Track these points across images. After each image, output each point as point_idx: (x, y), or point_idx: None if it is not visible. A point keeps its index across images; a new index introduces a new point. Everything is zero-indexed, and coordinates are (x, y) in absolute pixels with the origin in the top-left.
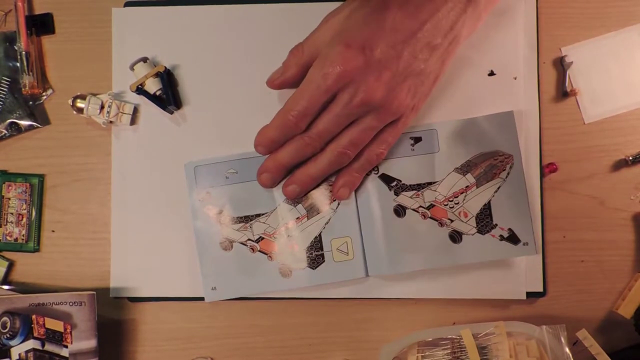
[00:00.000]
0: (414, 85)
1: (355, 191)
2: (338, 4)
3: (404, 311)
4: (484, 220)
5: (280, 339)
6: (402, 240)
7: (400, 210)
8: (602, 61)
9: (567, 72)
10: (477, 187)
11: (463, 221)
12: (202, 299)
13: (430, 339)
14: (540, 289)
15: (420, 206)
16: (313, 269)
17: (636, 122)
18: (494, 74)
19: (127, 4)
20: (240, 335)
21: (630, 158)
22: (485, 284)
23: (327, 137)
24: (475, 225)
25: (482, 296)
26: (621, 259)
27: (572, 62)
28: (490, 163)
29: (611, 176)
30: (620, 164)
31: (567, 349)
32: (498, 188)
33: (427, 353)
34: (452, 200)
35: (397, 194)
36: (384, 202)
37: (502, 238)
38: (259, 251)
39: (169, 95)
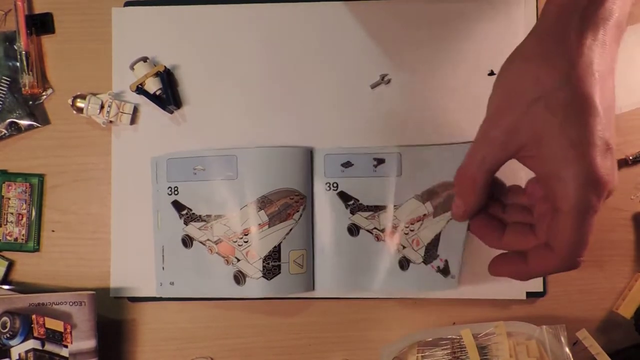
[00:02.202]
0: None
1: (313, 205)
2: (335, 3)
3: (404, 311)
4: (431, 250)
5: (280, 339)
6: (351, 259)
7: (354, 229)
8: None
9: None
10: (434, 217)
11: (414, 249)
12: (202, 299)
13: (430, 339)
14: (540, 289)
15: (375, 228)
16: (268, 279)
17: (636, 122)
18: (494, 74)
19: (127, 4)
20: (240, 335)
21: (631, 158)
22: (486, 284)
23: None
24: (423, 255)
25: (482, 296)
26: (621, 259)
27: None
28: (449, 193)
29: None
30: (620, 164)
31: (567, 349)
32: (450, 219)
33: (427, 353)
34: (407, 227)
35: (353, 212)
36: (339, 219)
37: (438, 269)
38: (217, 253)
39: (168, 95)
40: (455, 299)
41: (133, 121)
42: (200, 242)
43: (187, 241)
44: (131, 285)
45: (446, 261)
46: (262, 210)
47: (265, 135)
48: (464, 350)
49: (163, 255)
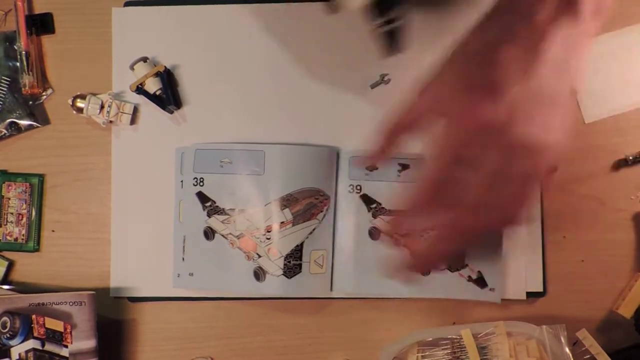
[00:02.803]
0: (554, 111)
1: (336, 206)
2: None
3: (404, 311)
4: (457, 258)
5: (280, 339)
6: (371, 262)
7: (375, 233)
8: (602, 61)
9: None
10: None
11: None
12: (202, 299)
13: (430, 339)
14: (540, 289)
15: (397, 232)
16: (288, 277)
17: (636, 122)
18: None
19: (127, 4)
20: (240, 335)
21: (631, 158)
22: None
23: (487, 200)
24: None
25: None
26: (621, 259)
27: None
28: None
29: (611, 176)
30: (621, 164)
31: (567, 349)
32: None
33: (427, 353)
34: (429, 232)
35: (374, 216)
36: (360, 222)
37: (469, 279)
38: (238, 247)
39: (168, 95)
40: (456, 299)
41: (133, 121)
42: (222, 236)
43: (209, 233)
44: (131, 285)
45: (479, 272)
46: (287, 209)
47: (265, 135)
48: (464, 350)
49: (184, 246)
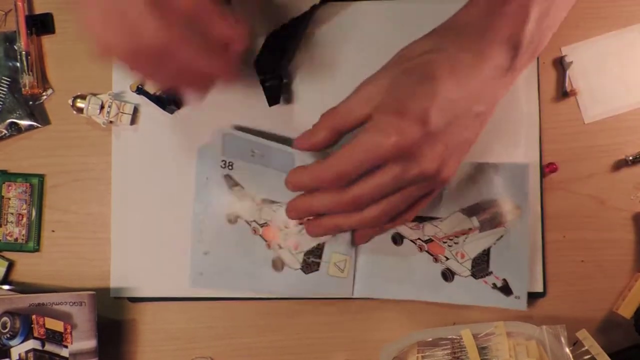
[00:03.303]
0: (459, 154)
1: None
2: (336, 4)
3: (404, 311)
4: (480, 265)
5: (280, 339)
6: (394, 268)
7: (398, 239)
8: (602, 61)
9: (567, 72)
10: (480, 232)
11: (459, 261)
12: (202, 299)
13: (430, 339)
14: (540, 289)
15: (419, 238)
16: (305, 273)
17: (636, 122)
18: None
19: None
20: (240, 335)
21: (630, 158)
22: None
23: (367, 202)
24: (470, 268)
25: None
26: (621, 259)
27: (572, 62)
28: (497, 210)
29: (611, 176)
30: (620, 164)
31: (567, 349)
32: (500, 237)
33: (427, 353)
34: (451, 239)
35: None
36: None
37: (494, 286)
38: (260, 235)
39: (169, 95)
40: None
41: (133, 121)
42: (246, 221)
43: (232, 218)
44: (131, 285)
45: (504, 280)
46: None
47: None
48: (464, 350)
49: (205, 229)
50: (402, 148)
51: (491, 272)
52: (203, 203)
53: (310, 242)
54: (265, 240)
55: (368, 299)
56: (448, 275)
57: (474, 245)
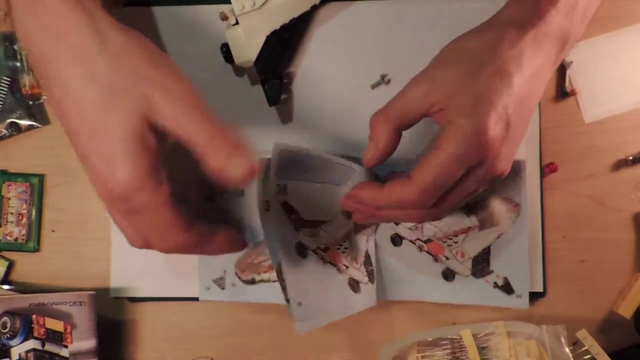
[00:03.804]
0: (517, 149)
1: None
2: (336, 4)
3: (404, 311)
4: (481, 264)
5: (280, 339)
6: (393, 269)
7: (397, 240)
8: (602, 61)
9: (567, 72)
10: (480, 230)
11: (459, 261)
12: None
13: (430, 339)
14: (540, 289)
15: (418, 238)
16: (372, 283)
17: (636, 122)
18: None
19: (126, 4)
20: (240, 335)
21: (631, 158)
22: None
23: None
24: (471, 267)
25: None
26: (621, 259)
27: (572, 62)
28: (496, 208)
29: (611, 176)
30: (621, 164)
31: (567, 349)
32: (500, 235)
33: (427, 353)
34: (451, 239)
35: (397, 223)
36: (383, 229)
37: (495, 285)
38: (329, 262)
39: None
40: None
41: None
42: (313, 251)
43: (302, 250)
44: (131, 285)
45: (505, 279)
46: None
47: (258, 138)
48: (464, 350)
49: (288, 269)
50: (490, 149)
51: (492, 271)
52: (272, 241)
53: (360, 252)
54: (334, 265)
55: None
56: (449, 275)
57: (473, 244)
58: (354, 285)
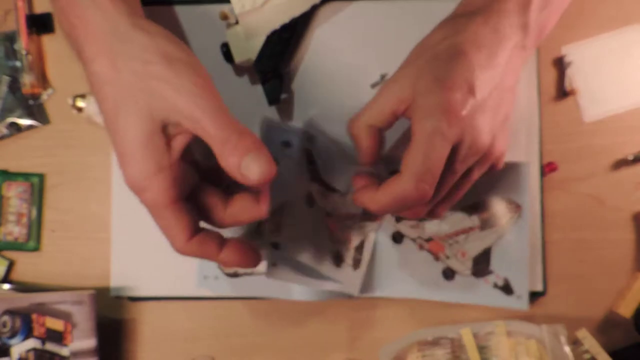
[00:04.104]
0: (504, 129)
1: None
2: (336, 3)
3: (404, 311)
4: (481, 264)
5: (280, 338)
6: (394, 266)
7: (398, 237)
8: (602, 61)
9: (567, 72)
10: (481, 230)
11: (459, 260)
12: (202, 298)
13: (430, 339)
14: (540, 289)
15: (419, 237)
16: (355, 270)
17: (636, 122)
18: None
19: None
20: (240, 335)
21: (631, 157)
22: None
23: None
24: (471, 267)
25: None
26: (621, 259)
27: (571, 62)
28: (497, 209)
29: (611, 176)
30: (621, 164)
31: (567, 349)
32: (501, 235)
33: (427, 353)
34: (452, 238)
35: (398, 220)
36: (384, 226)
37: (495, 285)
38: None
39: None
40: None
41: None
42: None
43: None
44: (131, 284)
45: (505, 279)
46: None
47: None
48: (464, 350)
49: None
50: (461, 120)
51: (492, 272)
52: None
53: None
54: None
55: (368, 297)
56: (449, 273)
57: (474, 244)
58: (337, 258)
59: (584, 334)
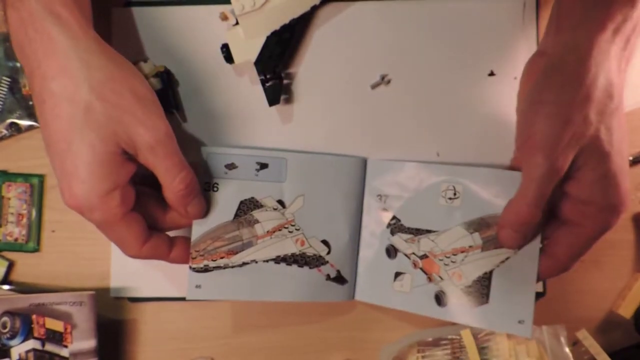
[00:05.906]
0: None
1: (362, 218)
2: (335, 4)
3: (404, 311)
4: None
5: (280, 339)
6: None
7: (391, 251)
8: None
9: None
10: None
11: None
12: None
13: (430, 339)
14: (540, 289)
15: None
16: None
17: (636, 122)
18: (494, 74)
19: (127, 4)
20: (240, 335)
21: (631, 158)
22: None
23: None
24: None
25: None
26: (621, 259)
27: None
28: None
29: None
30: None
31: (567, 349)
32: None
33: (427, 353)
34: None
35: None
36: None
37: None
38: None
39: (169, 96)
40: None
41: None
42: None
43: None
44: (131, 285)
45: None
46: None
47: (267, 138)
48: (464, 350)
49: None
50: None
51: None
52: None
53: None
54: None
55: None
56: (441, 298)
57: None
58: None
59: (584, 335)
